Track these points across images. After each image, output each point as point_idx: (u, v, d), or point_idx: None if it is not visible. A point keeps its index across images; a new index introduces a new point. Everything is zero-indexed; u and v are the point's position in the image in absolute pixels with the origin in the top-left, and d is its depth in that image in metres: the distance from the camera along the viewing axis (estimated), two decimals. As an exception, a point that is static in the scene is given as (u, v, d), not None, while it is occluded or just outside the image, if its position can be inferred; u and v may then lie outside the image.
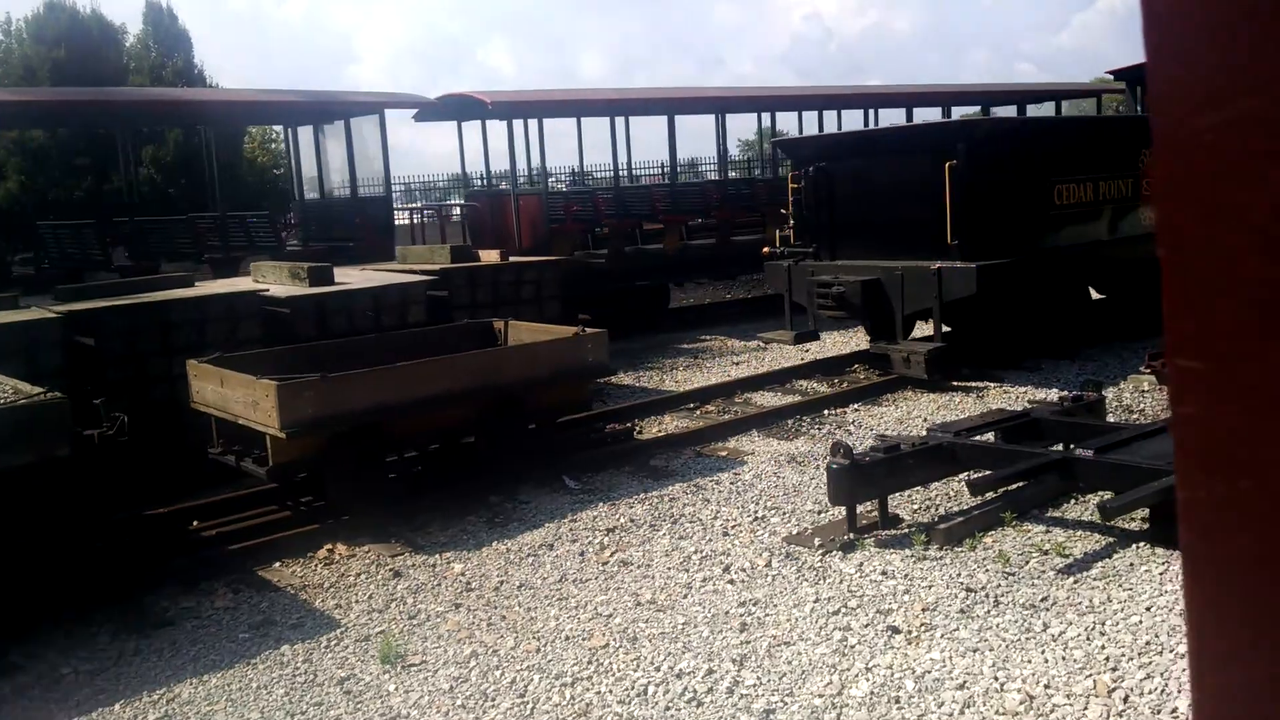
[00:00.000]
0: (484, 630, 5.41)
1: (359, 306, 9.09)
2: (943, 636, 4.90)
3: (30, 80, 32.24)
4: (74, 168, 29.25)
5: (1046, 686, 4.32)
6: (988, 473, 6.11)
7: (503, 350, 7.86)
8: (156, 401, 8.11)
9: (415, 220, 17.63)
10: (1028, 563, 5.71)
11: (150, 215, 15.45)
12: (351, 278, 9.80)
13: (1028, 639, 4.79)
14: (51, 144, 29.25)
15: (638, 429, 9.40)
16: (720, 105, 16.67)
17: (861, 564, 5.86)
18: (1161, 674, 4.31)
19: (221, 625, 5.70)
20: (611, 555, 6.38)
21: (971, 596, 5.30)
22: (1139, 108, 16.88)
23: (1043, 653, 4.63)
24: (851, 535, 6.24)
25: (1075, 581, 5.39)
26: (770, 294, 13.79)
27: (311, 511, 7.13)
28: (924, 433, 7.28)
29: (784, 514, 6.90)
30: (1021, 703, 4.23)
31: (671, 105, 16.40)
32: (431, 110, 15.36)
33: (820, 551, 6.11)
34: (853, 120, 18.12)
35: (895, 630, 5.01)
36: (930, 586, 5.49)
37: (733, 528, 6.73)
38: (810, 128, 17.82)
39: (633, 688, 4.63)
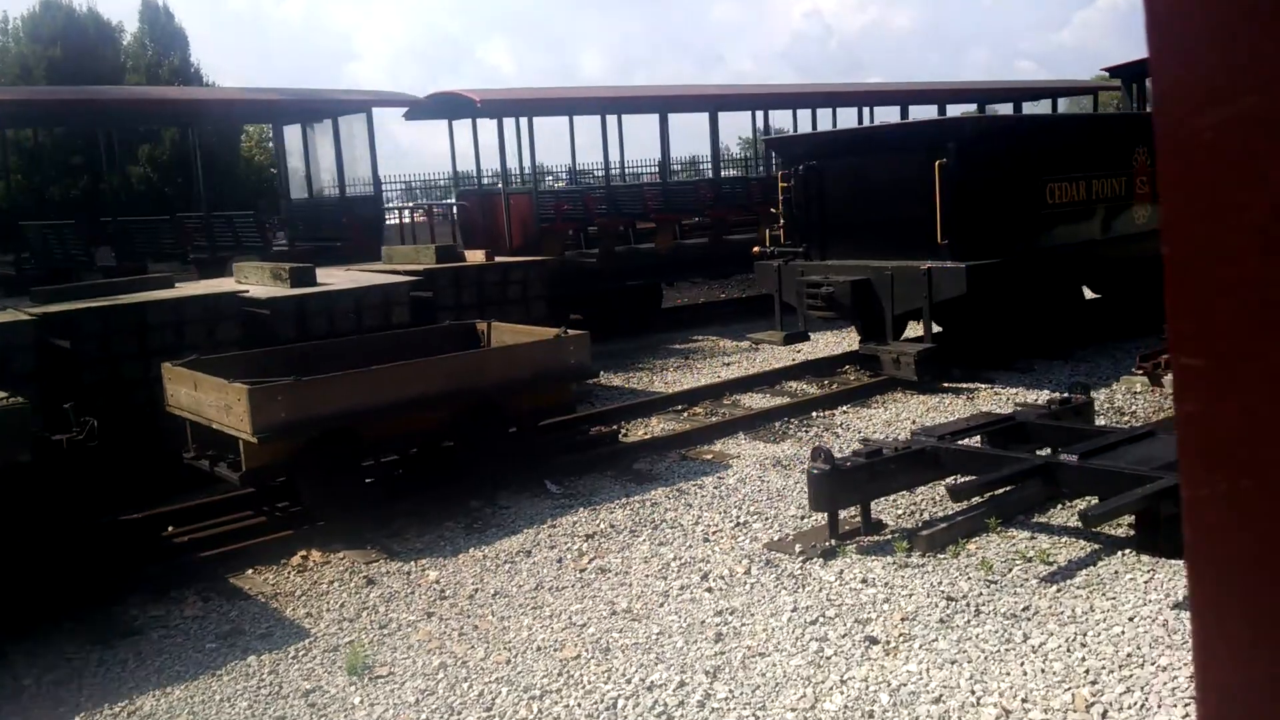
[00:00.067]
0: (455, 640, 5.30)
1: (341, 308, 8.98)
2: (921, 647, 4.79)
3: (26, 79, 32.13)
4: (70, 167, 29.19)
5: (1024, 700, 4.21)
6: (970, 478, 6.00)
7: (481, 353, 7.75)
8: (134, 405, 8.00)
9: (406, 220, 17.51)
10: (1011, 570, 5.60)
11: (144, 214, 15.36)
12: (334, 278, 9.69)
13: (1007, 650, 4.68)
14: (48, 143, 29.18)
15: (623, 431, 9.29)
16: (713, 103, 16.55)
17: (842, 571, 5.75)
18: (1142, 688, 4.20)
19: (189, 635, 5.59)
20: (590, 562, 6.27)
21: (952, 605, 5.19)
22: (1135, 105, 16.77)
23: (1022, 665, 4.52)
24: (833, 542, 6.13)
25: (1058, 590, 5.28)
26: (762, 294, 13.67)
27: (287, 517, 7.03)
28: (908, 436, 7.17)
29: (766, 519, 6.79)
30: (998, 717, 4.13)
31: (664, 103, 16.29)
32: (421, 109, 15.24)
33: (801, 558, 6.00)
34: (848, 118, 18.02)
35: (873, 641, 4.90)
36: (911, 595, 5.38)
37: (714, 534, 6.62)
38: (805, 126, 17.71)
39: (601, 701, 4.53)
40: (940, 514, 6.56)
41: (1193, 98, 0.76)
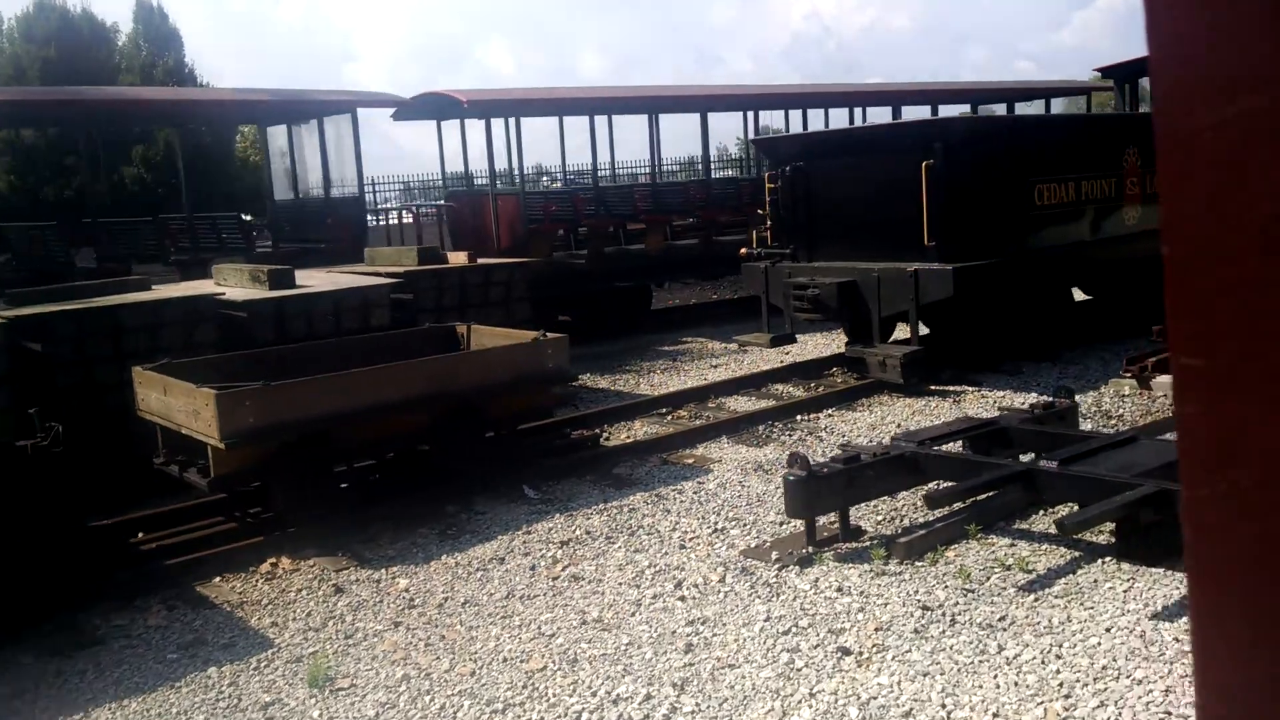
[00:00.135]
0: (420, 651, 5.19)
1: (319, 310, 8.87)
2: (894, 659, 4.69)
3: (20, 80, 32.02)
4: (63, 168, 29.08)
5: (995, 715, 4.11)
6: (947, 484, 5.90)
7: (457, 356, 7.64)
8: (108, 409, 7.89)
9: (395, 221, 17.41)
10: (989, 579, 5.49)
11: (139, 215, 15.23)
12: (314, 280, 9.59)
13: (981, 662, 4.58)
14: (41, 144, 29.06)
15: (605, 435, 9.19)
16: (703, 104, 16.44)
17: (818, 580, 5.65)
18: (1115, 702, 4.09)
19: (150, 645, 5.48)
20: (563, 570, 6.16)
21: (927, 615, 5.09)
22: (1128, 105, 16.67)
23: (995, 677, 4.42)
24: (810, 549, 6.03)
25: (1036, 599, 5.18)
26: (753, 295, 13.57)
27: (259, 523, 6.93)
28: (888, 441, 7.07)
29: (744, 526, 6.68)
30: (968, 733, 4.03)
31: (653, 104, 16.18)
32: (409, 110, 15.14)
33: (777, 566, 5.90)
34: (841, 119, 17.90)
35: (845, 651, 4.80)
36: (886, 604, 5.28)
37: (690, 540, 6.52)
38: (798, 126, 17.60)
39: (565, 715, 4.42)
40: (920, 520, 6.45)
41: (1193, 97, 0.76)
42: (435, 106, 14.86)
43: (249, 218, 16.03)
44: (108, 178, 28.95)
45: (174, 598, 6.07)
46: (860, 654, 4.78)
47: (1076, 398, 9.56)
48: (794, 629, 5.07)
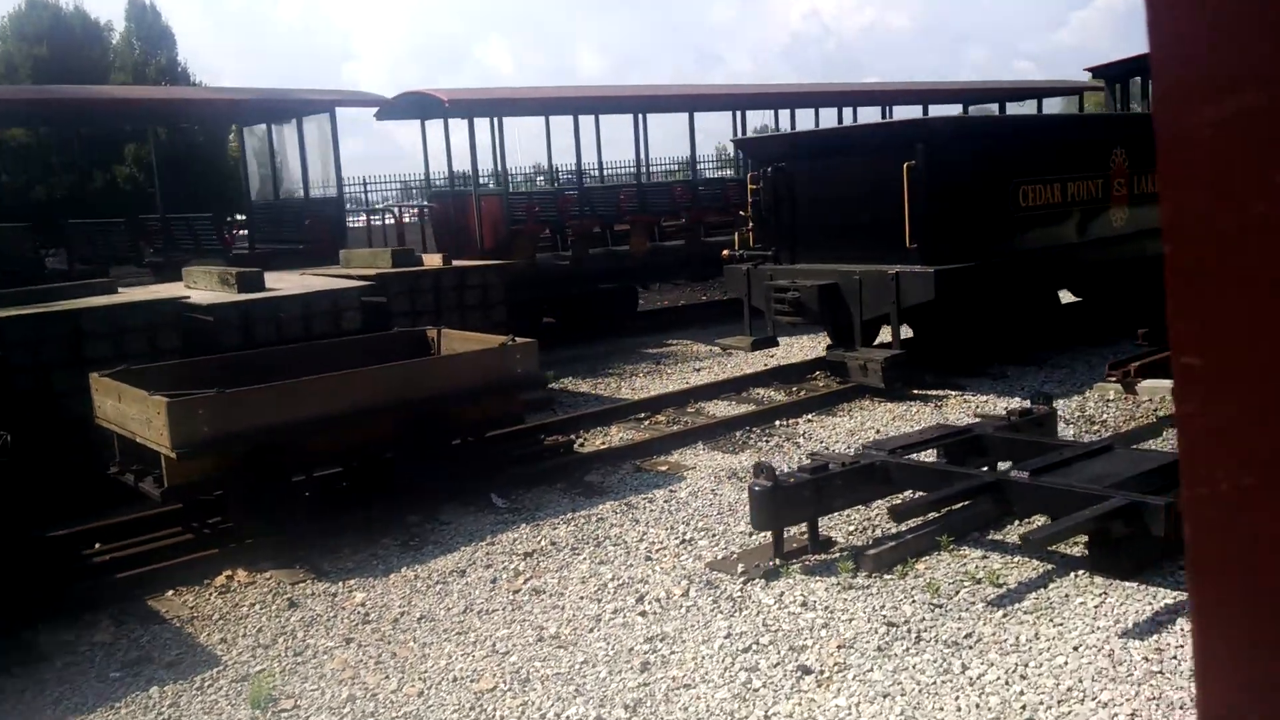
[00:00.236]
0: (370, 670, 5.03)
1: (288, 314, 8.70)
2: (855, 678, 4.53)
3: (12, 78, 31.85)
4: (54, 167, 28.92)
5: (953, 741, 3.95)
6: (915, 496, 5.74)
7: (421, 362, 7.47)
8: (67, 417, 7.72)
9: (380, 222, 17.24)
10: (958, 593, 5.33)
11: (132, 214, 15.02)
12: (285, 283, 9.42)
13: (944, 682, 4.42)
14: (32, 143, 28.90)
15: (580, 441, 9.02)
16: (690, 104, 16.28)
17: (782, 594, 5.49)
18: (1078, 727, 3.94)
19: (94, 663, 5.32)
20: (525, 583, 6.00)
21: (892, 632, 4.93)
22: (1118, 105, 16.52)
23: (957, 699, 4.26)
24: (776, 561, 5.86)
25: (1004, 615, 5.02)
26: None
27: (217, 534, 6.76)
28: (859, 449, 6.90)
29: (714, 536, 6.52)
30: (924, 760, 3.87)
31: (639, 104, 16.01)
32: (392, 109, 14.97)
33: (742, 579, 5.73)
34: (833, 119, 17.73)
35: (806, 670, 4.64)
36: (851, 620, 5.12)
37: (657, 551, 6.36)
38: (789, 127, 17.42)
39: (511, 739, 4.26)
40: (892, 531, 6.30)
41: (1194, 95, 0.76)
42: (418, 106, 14.69)
43: (242, 217, 15.87)
44: (102, 177, 28.85)
45: (124, 612, 5.90)
46: (821, 673, 4.62)
47: (1060, 402, 9.44)
48: (754, 646, 4.91)
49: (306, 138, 13.62)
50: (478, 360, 7.47)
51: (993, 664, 4.53)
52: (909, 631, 4.93)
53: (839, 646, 4.84)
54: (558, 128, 17.15)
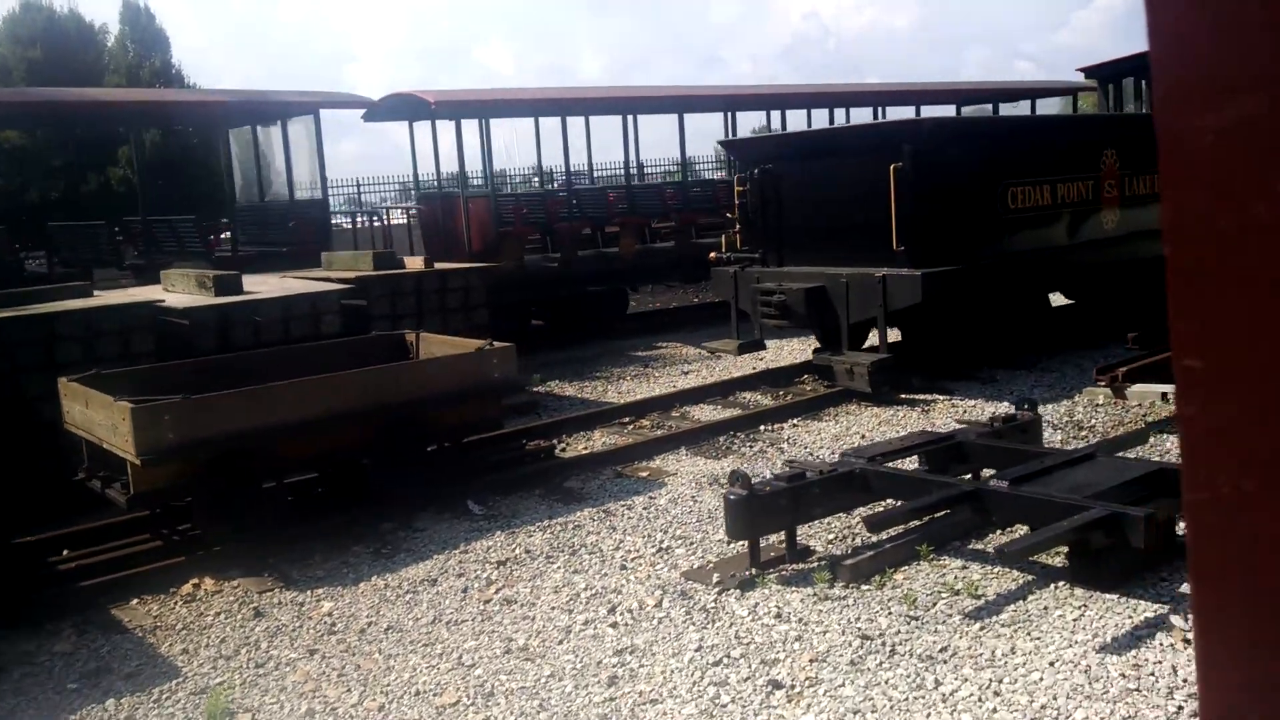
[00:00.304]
0: (331, 683, 4.91)
1: (265, 318, 8.59)
2: (826, 694, 4.42)
3: (5, 80, 31.74)
4: (46, 170, 28.79)
5: (922, 760, 3.84)
6: (891, 505, 5.63)
7: (395, 366, 7.35)
8: (39, 421, 7.60)
9: (365, 224, 17.10)
10: (935, 604, 5.22)
11: (130, 216, 14.89)
12: (264, 286, 9.31)
13: (915, 698, 4.30)
14: (27, 145, 28.76)
15: (562, 446, 8.91)
16: (680, 105, 16.17)
17: (757, 605, 5.37)
18: (1051, 747, 3.82)
19: (53, 674, 5.20)
20: (496, 592, 5.89)
21: (866, 645, 4.82)
22: (1111, 106, 16.42)
23: (928, 717, 4.14)
24: (752, 571, 5.75)
25: (981, 628, 4.91)
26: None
27: (185, 542, 6.64)
28: (839, 457, 6.79)
29: (691, 544, 6.41)
30: (892, 780, 3.75)
31: (628, 105, 15.90)
32: (379, 111, 14.85)
33: (717, 589, 5.62)
34: (825, 120, 17.61)
35: (776, 685, 4.53)
36: (825, 632, 5.01)
37: (633, 560, 6.24)
38: (782, 129, 17.30)
39: (470, 756, 4.15)
40: (873, 540, 6.18)
41: (1194, 97, 0.76)
42: (406, 107, 14.57)
43: (225, 220, 15.73)
44: (96, 179, 28.70)
45: (87, 621, 5.78)
46: (792, 687, 4.50)
47: (1049, 407, 9.34)
48: (725, 660, 4.80)
49: (291, 140, 13.50)
50: (454, 365, 7.36)
51: (967, 679, 4.41)
52: (883, 645, 4.81)
53: (811, 660, 4.73)
54: (553, 129, 17.07)
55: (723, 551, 6.22)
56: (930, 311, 9.98)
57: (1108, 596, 5.07)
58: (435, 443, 7.45)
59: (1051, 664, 4.46)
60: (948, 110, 19.30)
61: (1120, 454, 6.12)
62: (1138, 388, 9.26)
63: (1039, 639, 4.73)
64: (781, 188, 10.92)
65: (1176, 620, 4.73)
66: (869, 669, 4.60)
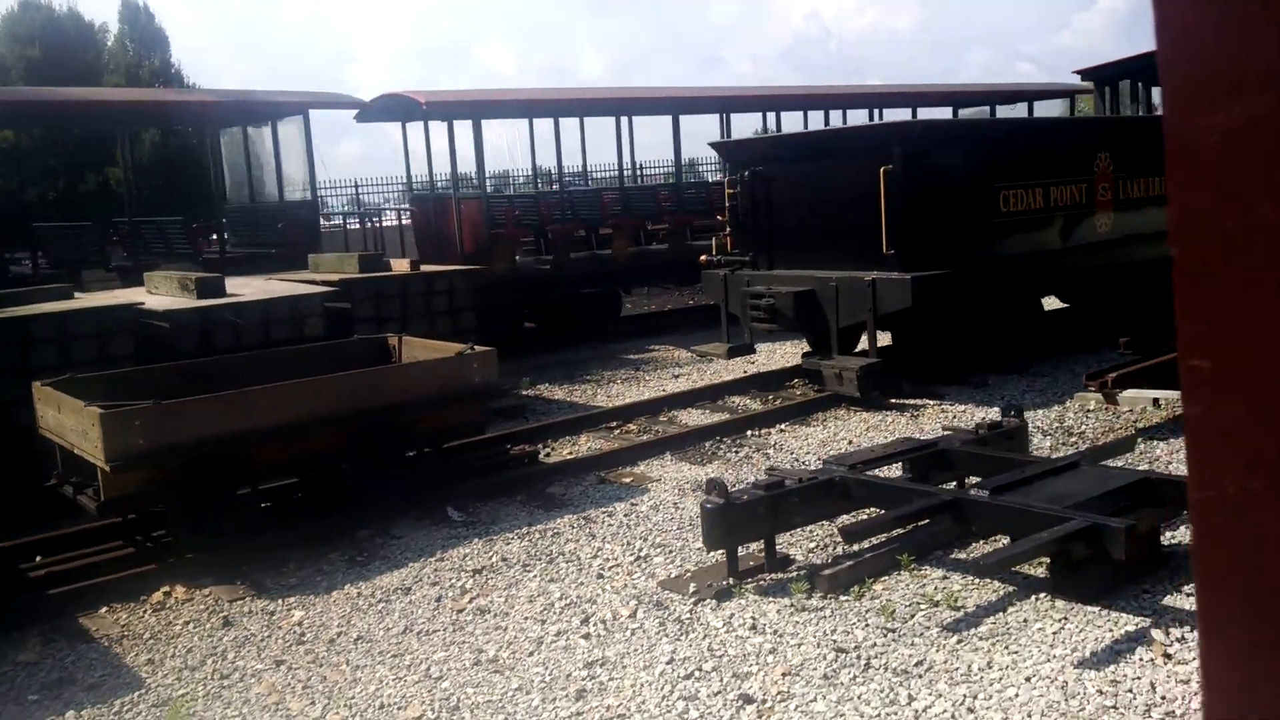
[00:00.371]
0: (296, 695, 4.82)
1: (247, 321, 8.50)
2: (797, 709, 4.32)
3: (4, 79, 31.71)
4: (49, 169, 28.73)
5: (890, 780, 3.74)
6: (868, 516, 5.53)
7: (373, 371, 7.26)
8: (13, 426, 7.51)
9: (364, 225, 17.03)
10: (914, 616, 5.12)
11: (128, 217, 14.81)
12: (247, 289, 9.22)
13: (888, 715, 4.21)
14: (27, 144, 28.70)
15: (547, 451, 8.82)
16: (674, 106, 16.07)
17: (732, 616, 5.28)
18: (1022, 767, 3.72)
19: (14, 684, 5.11)
20: (470, 602, 5.79)
21: (841, 658, 4.72)
22: (1107, 109, 16.33)
23: (899, 734, 4.05)
24: (730, 581, 5.65)
25: (959, 641, 4.81)
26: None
27: (159, 548, 6.56)
28: (822, 464, 6.69)
29: (670, 553, 6.31)
30: (859, 800, 3.65)
31: (622, 106, 15.81)
32: (371, 111, 14.77)
33: (693, 599, 5.53)
34: (820, 123, 17.51)
35: (747, 700, 4.43)
36: (800, 645, 4.91)
37: (610, 569, 6.15)
38: (779, 130, 17.18)
39: (430, 773, 4.06)
40: (853, 549, 6.08)
41: (1202, 98, 0.76)
42: (398, 108, 14.48)
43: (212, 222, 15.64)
44: (95, 178, 28.64)
45: (54, 630, 5.69)
46: (763, 702, 4.41)
47: (1040, 412, 9.24)
48: (697, 673, 4.70)
49: (282, 140, 13.42)
50: (433, 369, 7.27)
51: (941, 695, 4.32)
52: (858, 658, 4.72)
53: (784, 674, 4.63)
54: (551, 130, 16.90)
55: (701, 560, 6.12)
56: (920, 315, 9.89)
57: (1089, 609, 4.98)
58: (415, 448, 7.37)
59: (1028, 679, 4.36)
60: (944, 112, 19.21)
61: (1105, 462, 6.02)
62: (1130, 393, 9.16)
63: (1017, 653, 4.63)
64: (772, 190, 10.83)
65: (1158, 634, 4.63)
66: (842, 683, 4.50)
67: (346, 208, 26.29)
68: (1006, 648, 4.69)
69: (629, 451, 8.54)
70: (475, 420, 7.68)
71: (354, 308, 9.60)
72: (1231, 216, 0.76)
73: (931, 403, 9.79)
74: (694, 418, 9.89)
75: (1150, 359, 9.60)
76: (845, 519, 6.22)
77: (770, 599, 5.46)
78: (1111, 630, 4.74)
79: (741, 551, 5.83)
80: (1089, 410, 9.24)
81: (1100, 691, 4.19)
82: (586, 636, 5.21)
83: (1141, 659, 4.44)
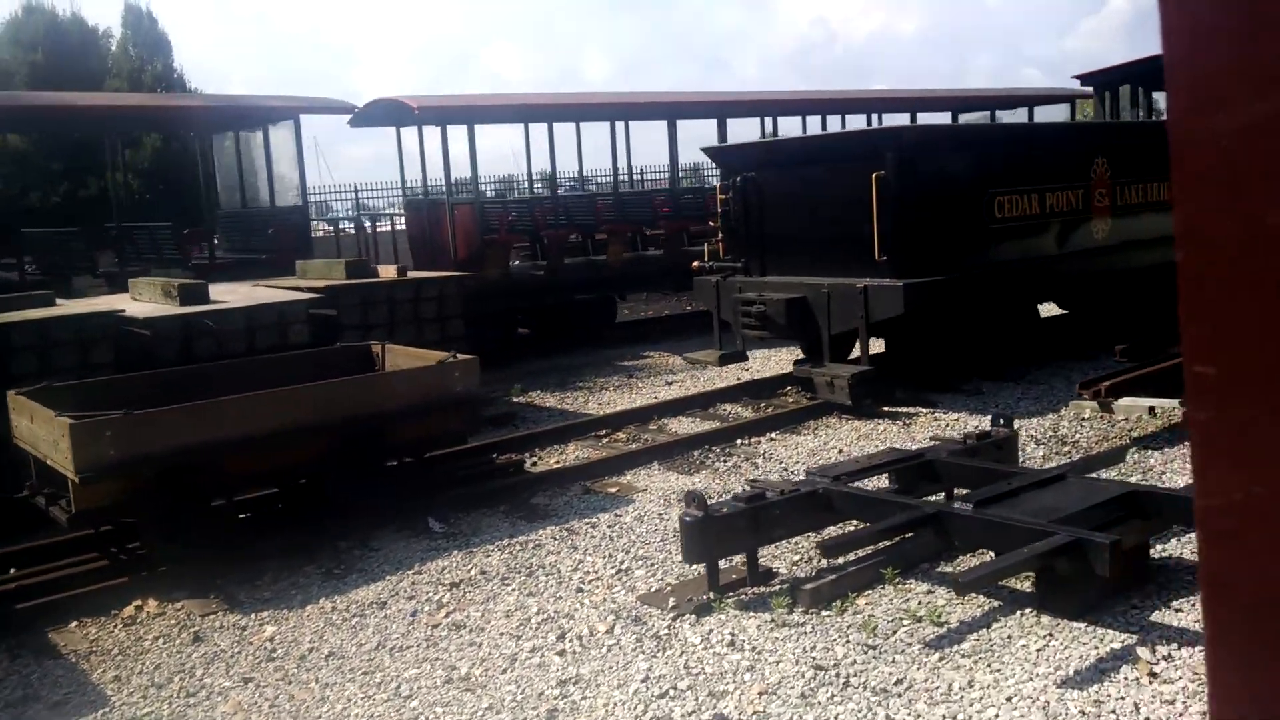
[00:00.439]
0: (262, 714, 4.71)
1: (229, 328, 8.40)
2: (772, 730, 4.21)
3: (7, 84, 31.67)
4: (49, 173, 28.68)
5: (863, 807, 3.62)
6: (848, 530, 5.41)
7: (352, 380, 7.16)
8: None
9: (361, 232, 16.94)
10: (895, 632, 5.00)
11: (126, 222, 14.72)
12: (231, 296, 9.13)
13: (864, 737, 4.09)
14: (29, 149, 28.64)
15: (533, 460, 8.71)
16: (670, 111, 15.97)
17: (711, 632, 5.16)
18: (999, 793, 3.60)
19: (-23, 702, 5.01)
20: (446, 616, 5.68)
21: (819, 677, 4.60)
22: (1107, 114, 16.19)
23: (874, 757, 3.93)
24: (710, 595, 5.54)
25: (941, 658, 4.69)
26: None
27: (132, 561, 6.45)
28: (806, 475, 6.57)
29: (652, 565, 6.20)
30: (829, 828, 3.54)
31: (617, 111, 15.71)
32: (364, 116, 14.68)
33: (672, 614, 5.41)
34: (817, 128, 17.41)
35: (722, 720, 4.32)
36: (778, 662, 4.79)
37: (591, 582, 6.03)
38: (775, 135, 17.07)
39: (391, 797, 3.94)
40: (839, 561, 5.96)
41: (1208, 102, 0.75)
42: (392, 113, 14.40)
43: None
44: (96, 184, 28.58)
45: (21, 645, 5.59)
46: (737, 723, 4.29)
47: (1034, 420, 9.12)
48: (671, 692, 4.59)
49: (274, 145, 13.33)
50: (415, 378, 7.17)
51: (920, 715, 4.20)
52: (837, 676, 4.60)
53: (760, 693, 4.52)
54: (529, 134, 16.79)
55: (683, 574, 6.01)
56: (914, 322, 9.77)
57: (1075, 625, 4.86)
58: (396, 457, 7.27)
59: (1009, 699, 4.24)
60: (944, 118, 19.08)
61: (1094, 474, 5.89)
62: (1125, 401, 9.02)
63: (999, 671, 4.51)
64: (765, 196, 10.72)
65: (1143, 652, 4.51)
66: (819, 703, 4.38)
67: (351, 212, 26.24)
68: (989, 666, 4.57)
69: (616, 461, 8.43)
70: (458, 429, 7.57)
71: (340, 315, 9.50)
72: (1237, 221, 0.75)
73: (924, 411, 9.67)
74: (684, 426, 9.77)
75: (1146, 367, 9.47)
76: (831, 531, 6.11)
77: (750, 614, 5.34)
78: (1097, 648, 4.61)
79: (724, 564, 5.72)
80: (1084, 419, 9.12)
81: (1083, 712, 4.07)
82: (561, 653, 5.09)
83: (1126, 678, 4.31)
